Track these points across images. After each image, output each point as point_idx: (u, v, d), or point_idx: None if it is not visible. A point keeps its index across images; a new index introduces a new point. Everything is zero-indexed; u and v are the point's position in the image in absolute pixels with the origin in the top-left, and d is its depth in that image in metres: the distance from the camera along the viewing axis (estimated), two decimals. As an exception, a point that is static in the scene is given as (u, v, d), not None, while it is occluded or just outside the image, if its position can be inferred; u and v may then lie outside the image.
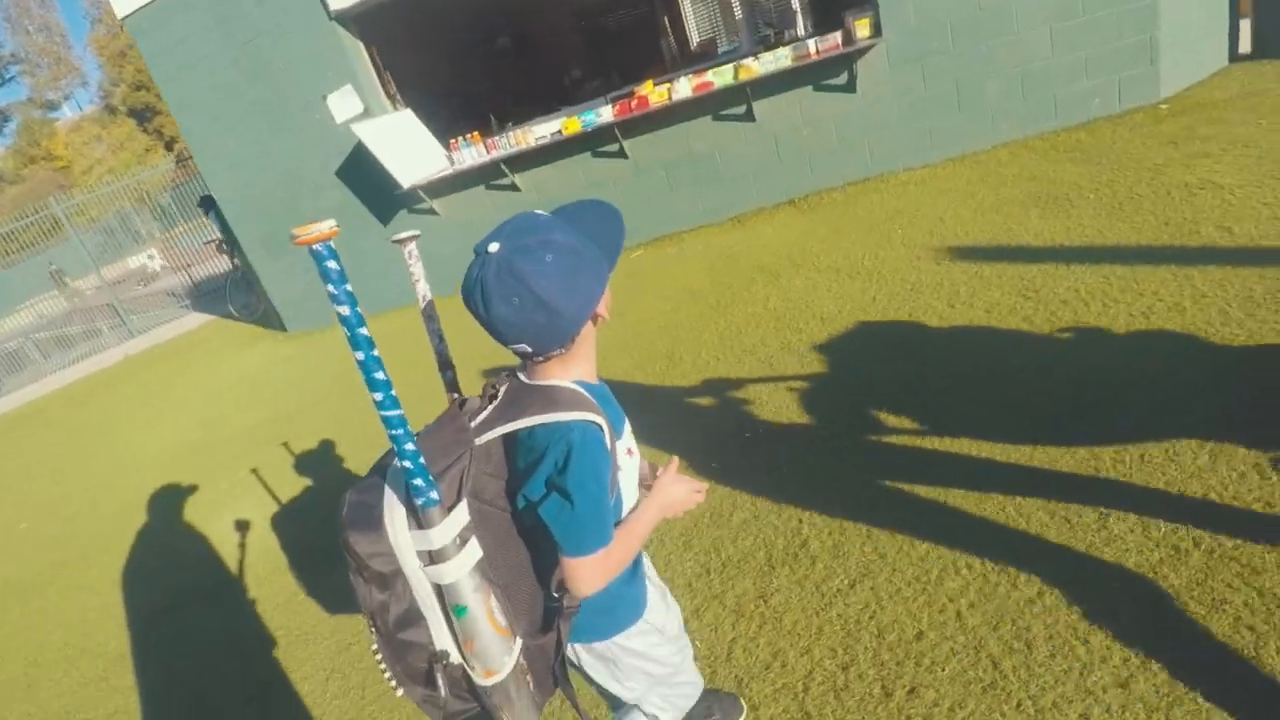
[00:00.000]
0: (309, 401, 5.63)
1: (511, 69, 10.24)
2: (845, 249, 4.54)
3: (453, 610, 0.99)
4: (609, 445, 1.05)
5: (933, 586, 1.98)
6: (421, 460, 0.91)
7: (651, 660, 1.31)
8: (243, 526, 3.90)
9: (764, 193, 5.80)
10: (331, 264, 0.78)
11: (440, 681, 1.01)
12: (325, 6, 6.03)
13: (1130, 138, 4.74)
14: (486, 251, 0.98)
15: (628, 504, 1.18)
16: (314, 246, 0.76)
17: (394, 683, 1.04)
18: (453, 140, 6.36)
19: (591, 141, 5.93)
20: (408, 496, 0.95)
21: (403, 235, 1.15)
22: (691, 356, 3.91)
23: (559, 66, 10.12)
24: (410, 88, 8.41)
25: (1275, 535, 1.78)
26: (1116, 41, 5.02)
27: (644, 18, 10.66)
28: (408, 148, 6.30)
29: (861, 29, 5.18)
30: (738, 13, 9.21)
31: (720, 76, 5.52)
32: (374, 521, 0.97)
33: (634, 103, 5.70)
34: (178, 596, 3.50)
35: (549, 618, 1.10)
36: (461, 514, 0.97)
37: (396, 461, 0.96)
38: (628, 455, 1.15)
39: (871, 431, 2.73)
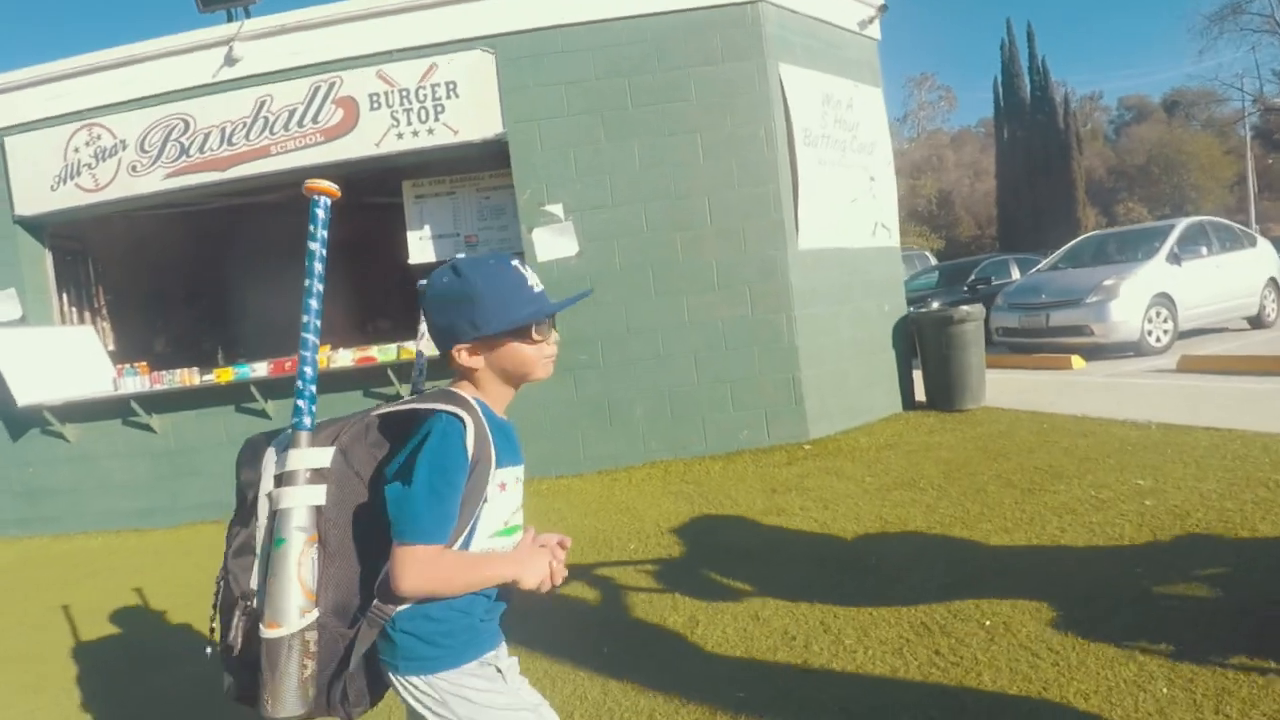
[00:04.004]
0: None
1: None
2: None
3: (273, 541, 1.02)
4: (467, 446, 1.05)
5: None
6: (313, 388, 1.07)
7: (485, 709, 1.11)
8: None
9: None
10: (320, 212, 1.09)
11: (235, 622, 1.05)
12: (11, 208, 5.75)
13: (749, 477, 4.46)
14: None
15: (481, 540, 1.13)
16: (315, 195, 1.08)
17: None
18: (120, 365, 5.78)
19: (238, 395, 5.40)
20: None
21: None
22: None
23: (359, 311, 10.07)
24: (144, 304, 7.92)
25: None
26: (760, 377, 5.02)
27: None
28: (58, 365, 5.65)
29: (517, 330, 5.09)
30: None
31: (384, 353, 5.26)
32: (257, 454, 1.10)
33: (289, 363, 5.32)
34: None
35: (359, 613, 1.07)
36: (322, 456, 1.05)
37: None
38: (498, 489, 1.13)
39: None
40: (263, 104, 5.28)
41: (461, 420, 1.06)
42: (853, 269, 5.50)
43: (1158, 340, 7.78)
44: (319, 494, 1.04)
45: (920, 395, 6.01)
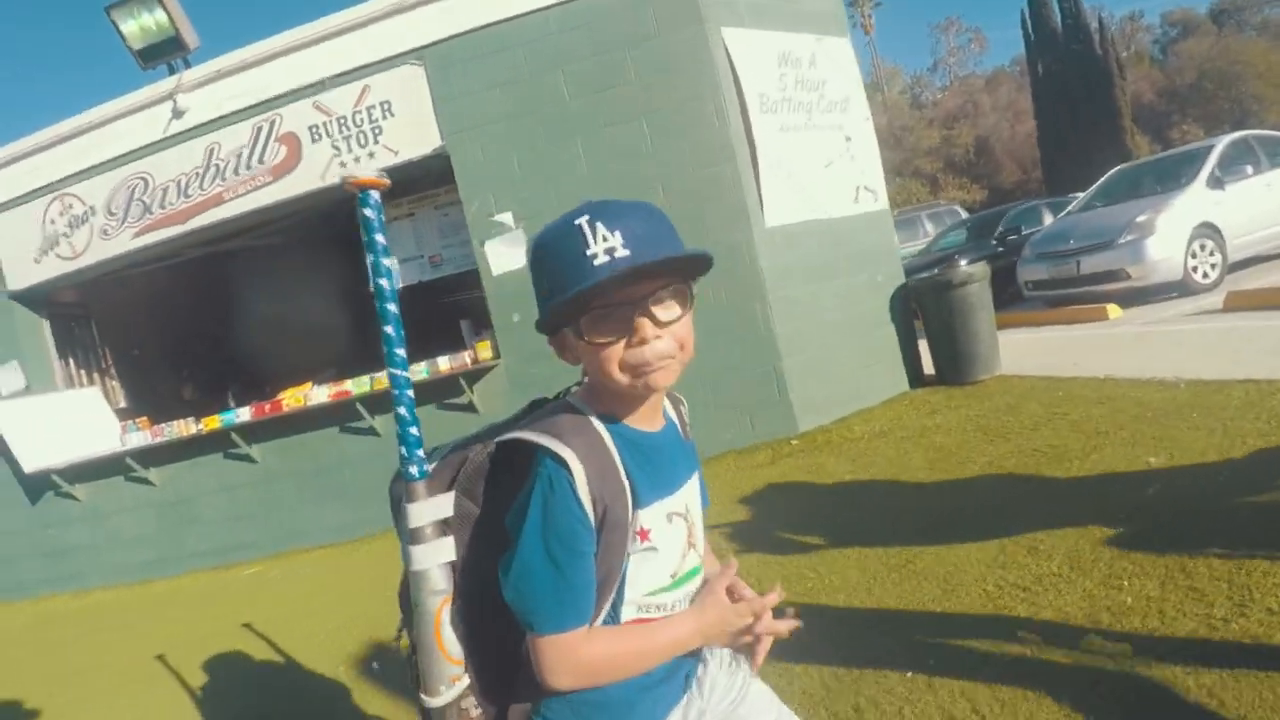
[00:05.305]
0: None
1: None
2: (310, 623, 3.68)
3: (412, 605, 0.90)
4: (580, 497, 0.81)
5: None
6: (414, 430, 0.90)
7: None
8: None
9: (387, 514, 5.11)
10: (369, 213, 0.88)
11: (408, 668, 0.95)
12: (3, 284, 5.93)
13: (724, 484, 4.13)
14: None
15: (635, 604, 0.90)
16: (362, 191, 0.86)
17: None
18: (123, 422, 5.93)
19: (226, 443, 5.41)
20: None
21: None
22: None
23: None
24: (155, 358, 8.05)
25: None
26: (739, 371, 4.70)
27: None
28: (64, 429, 5.83)
29: (483, 351, 4.95)
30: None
31: (358, 386, 5.18)
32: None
33: (269, 405, 5.31)
34: None
35: (515, 684, 0.90)
36: (443, 505, 0.90)
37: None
38: (638, 538, 0.87)
39: None
40: (212, 151, 5.27)
41: (567, 465, 0.81)
42: (834, 241, 5.09)
43: (1205, 276, 7.01)
44: (448, 548, 0.89)
45: (931, 369, 5.56)
